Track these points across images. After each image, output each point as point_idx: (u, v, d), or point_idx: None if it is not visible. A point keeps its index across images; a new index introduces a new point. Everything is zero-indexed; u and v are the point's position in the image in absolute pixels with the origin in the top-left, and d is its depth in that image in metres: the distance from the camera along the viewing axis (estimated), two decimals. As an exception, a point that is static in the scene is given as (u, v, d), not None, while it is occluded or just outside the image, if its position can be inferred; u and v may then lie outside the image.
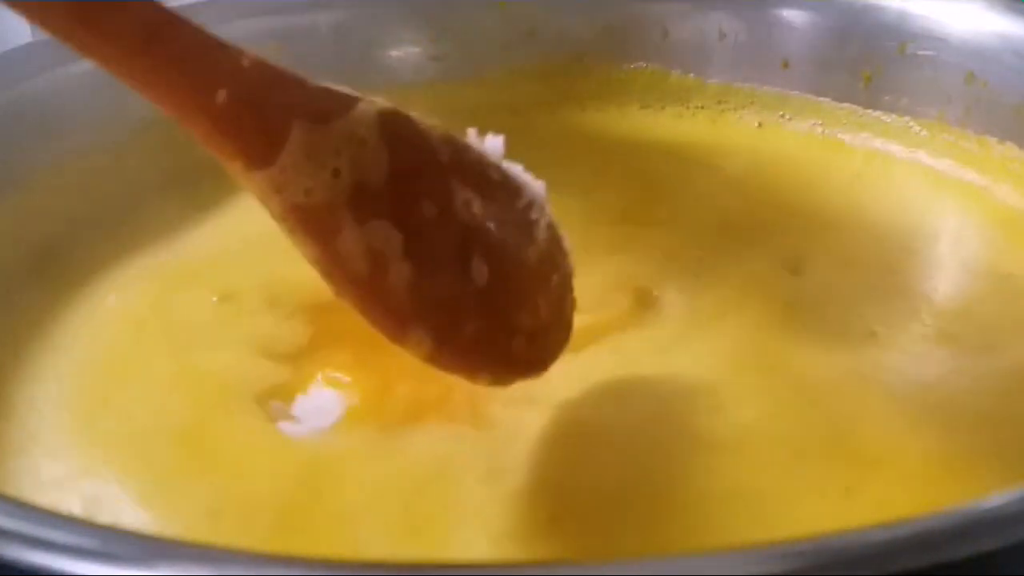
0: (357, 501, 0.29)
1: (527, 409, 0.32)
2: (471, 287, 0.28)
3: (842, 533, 0.21)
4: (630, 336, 0.35)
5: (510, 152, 0.31)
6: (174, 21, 0.25)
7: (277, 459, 0.31)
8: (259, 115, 0.26)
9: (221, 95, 0.25)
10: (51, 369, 0.35)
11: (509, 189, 0.30)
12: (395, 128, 0.28)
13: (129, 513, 0.29)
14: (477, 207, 0.29)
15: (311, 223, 0.26)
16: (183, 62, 0.25)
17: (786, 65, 0.48)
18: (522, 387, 0.30)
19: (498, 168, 0.30)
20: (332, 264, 0.27)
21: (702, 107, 0.50)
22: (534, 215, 0.31)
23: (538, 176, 0.34)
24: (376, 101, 0.28)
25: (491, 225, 0.29)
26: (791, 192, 0.44)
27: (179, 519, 0.29)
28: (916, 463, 0.30)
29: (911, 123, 0.46)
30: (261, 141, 0.26)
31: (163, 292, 0.38)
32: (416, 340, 0.28)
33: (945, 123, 0.45)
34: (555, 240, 0.31)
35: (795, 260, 0.39)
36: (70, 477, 0.31)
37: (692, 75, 0.50)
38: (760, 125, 0.49)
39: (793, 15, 0.48)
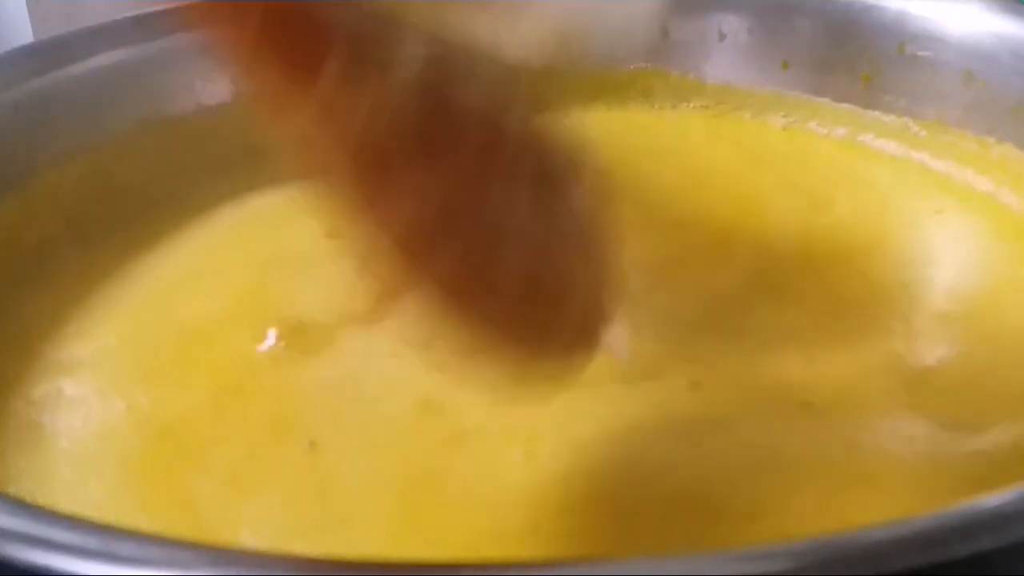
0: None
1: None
2: (504, 258, 0.27)
3: (842, 532, 0.21)
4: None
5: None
6: None
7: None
8: (290, 39, 0.24)
9: (251, 20, 0.24)
10: (54, 373, 0.35)
11: (557, 161, 0.29)
12: (435, 71, 0.26)
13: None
14: (517, 175, 0.27)
15: (342, 149, 0.25)
16: None
17: (785, 65, 0.48)
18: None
19: (546, 139, 0.29)
20: (365, 194, 0.26)
21: (702, 107, 0.50)
22: (580, 194, 0.29)
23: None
24: (431, 41, 0.26)
25: (532, 201, 0.28)
26: (791, 192, 0.44)
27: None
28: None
29: (910, 123, 0.46)
30: (295, 66, 0.24)
31: (163, 292, 0.38)
32: (440, 275, 0.26)
33: (944, 123, 0.45)
34: (596, 226, 0.30)
35: (796, 258, 0.39)
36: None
37: (692, 75, 0.50)
38: (759, 125, 0.49)
39: (792, 16, 0.48)
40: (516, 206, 0.27)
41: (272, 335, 0.35)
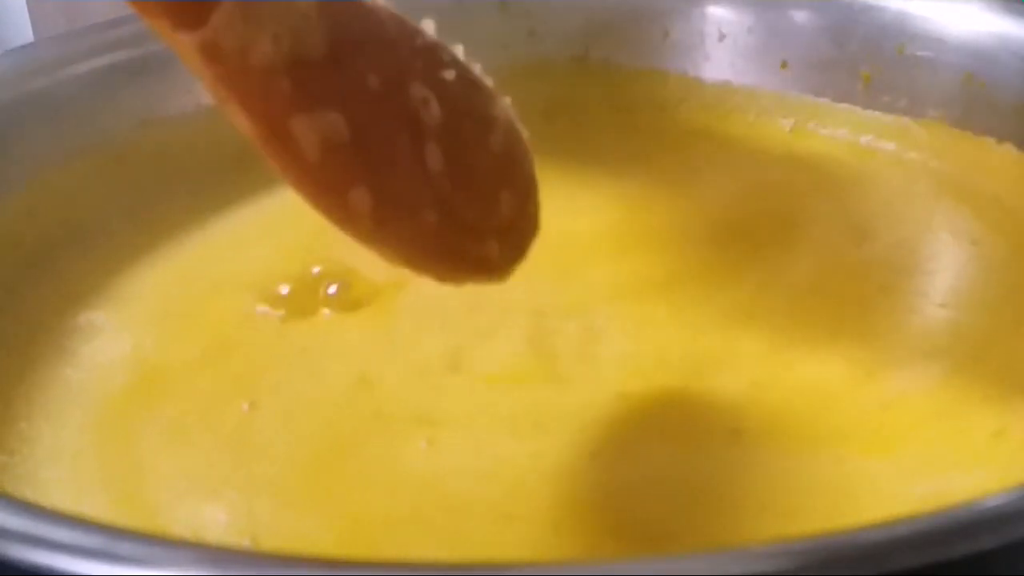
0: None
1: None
2: (424, 172, 0.27)
3: (842, 532, 0.21)
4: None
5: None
6: None
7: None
8: None
9: None
10: (55, 373, 0.35)
11: (466, 80, 0.29)
12: (341, 6, 0.27)
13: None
14: (430, 91, 0.28)
15: (248, 94, 0.25)
16: None
17: (785, 65, 0.48)
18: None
19: (455, 58, 0.29)
20: (270, 140, 0.26)
21: (702, 107, 0.50)
22: (494, 110, 0.30)
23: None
24: None
25: (446, 111, 0.28)
26: (791, 192, 0.44)
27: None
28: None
29: (910, 124, 0.46)
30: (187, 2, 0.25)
31: (163, 292, 0.38)
32: (358, 214, 0.26)
33: (944, 124, 0.45)
34: (517, 139, 0.30)
35: (797, 259, 0.39)
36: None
37: (691, 75, 0.50)
38: (759, 125, 0.49)
39: (792, 15, 0.48)
40: (429, 128, 0.27)
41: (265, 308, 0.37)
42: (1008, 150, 0.43)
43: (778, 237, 0.40)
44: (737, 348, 0.34)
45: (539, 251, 0.36)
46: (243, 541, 0.28)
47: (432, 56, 0.29)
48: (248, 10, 0.25)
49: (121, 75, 0.44)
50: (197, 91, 0.46)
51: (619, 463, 0.30)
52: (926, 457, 0.30)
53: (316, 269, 0.38)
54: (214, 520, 0.29)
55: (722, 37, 0.49)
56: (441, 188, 0.28)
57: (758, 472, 0.30)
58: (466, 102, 0.29)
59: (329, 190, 0.27)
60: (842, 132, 0.47)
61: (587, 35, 0.50)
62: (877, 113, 0.47)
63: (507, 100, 0.30)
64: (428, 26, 0.30)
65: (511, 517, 0.28)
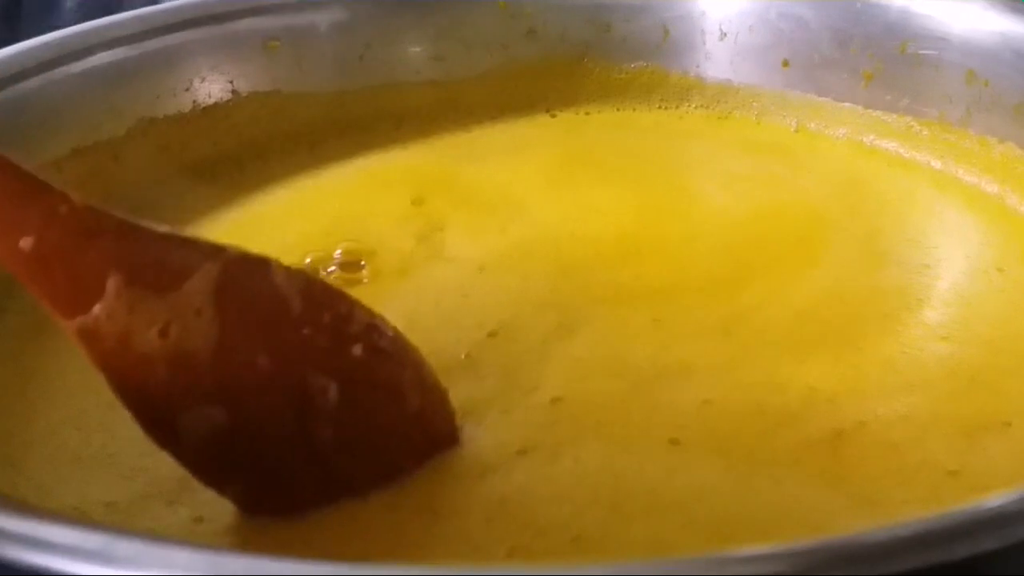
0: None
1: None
2: (309, 445, 0.27)
3: (842, 533, 0.21)
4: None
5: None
6: None
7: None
8: (66, 264, 0.25)
9: (26, 242, 0.24)
10: (54, 372, 0.35)
11: (378, 351, 0.29)
12: (237, 291, 0.26)
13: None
14: (329, 375, 0.27)
15: (125, 381, 0.25)
16: None
17: (786, 64, 0.48)
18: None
19: (369, 327, 0.29)
20: (148, 427, 0.26)
21: (702, 107, 0.50)
22: (403, 378, 0.29)
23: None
24: (224, 253, 0.26)
25: (345, 391, 0.28)
26: (791, 192, 0.44)
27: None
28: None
29: (912, 123, 0.46)
30: (69, 290, 0.25)
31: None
32: (233, 497, 0.28)
33: (946, 123, 0.45)
34: (432, 393, 0.30)
35: (802, 276, 0.38)
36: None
37: (692, 75, 0.50)
38: (760, 125, 0.49)
39: (793, 14, 0.48)
40: (322, 410, 0.27)
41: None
42: (1010, 149, 0.43)
43: (784, 248, 0.40)
44: (701, 363, 0.33)
45: (540, 251, 0.36)
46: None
47: (340, 330, 0.28)
48: (135, 303, 0.25)
49: (121, 75, 0.44)
50: (196, 91, 0.46)
51: (546, 462, 0.30)
52: (873, 491, 0.29)
53: (308, 259, 0.38)
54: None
55: (723, 36, 0.49)
56: (328, 456, 0.28)
57: (690, 485, 0.29)
58: (372, 378, 0.28)
59: (205, 478, 0.27)
60: (843, 131, 0.47)
61: (587, 35, 0.50)
62: (879, 112, 0.47)
63: (420, 357, 0.30)
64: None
65: (445, 514, 0.28)
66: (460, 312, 0.36)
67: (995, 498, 0.21)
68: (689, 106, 0.50)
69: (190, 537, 0.28)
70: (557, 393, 0.32)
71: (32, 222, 0.24)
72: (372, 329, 0.29)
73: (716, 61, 0.49)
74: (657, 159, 0.47)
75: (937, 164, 0.45)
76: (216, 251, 0.26)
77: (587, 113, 0.50)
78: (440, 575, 0.22)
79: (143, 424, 0.26)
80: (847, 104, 0.47)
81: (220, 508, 0.28)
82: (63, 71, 0.43)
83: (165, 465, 0.29)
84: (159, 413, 0.26)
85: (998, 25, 0.44)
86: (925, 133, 0.45)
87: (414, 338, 0.30)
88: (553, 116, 0.50)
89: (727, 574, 0.21)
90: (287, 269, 0.27)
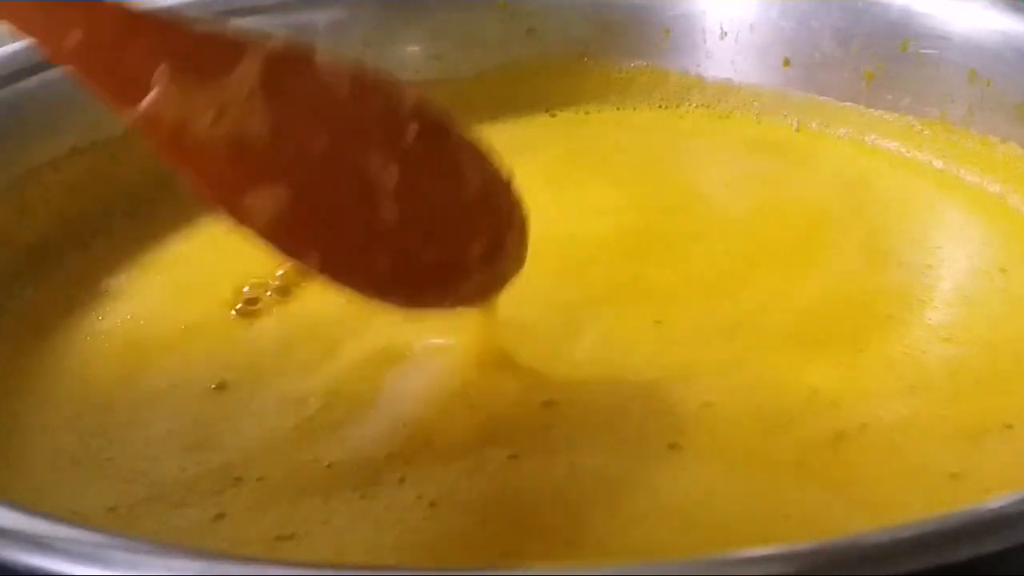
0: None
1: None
2: (377, 224, 0.28)
3: (843, 535, 0.21)
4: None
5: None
6: None
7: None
8: (117, 53, 0.26)
9: (75, 35, 0.26)
10: (51, 375, 0.35)
11: (433, 130, 0.30)
12: (285, 76, 0.28)
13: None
14: (388, 152, 0.28)
15: (190, 165, 0.27)
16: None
17: (787, 64, 0.48)
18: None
19: (421, 110, 0.30)
20: (217, 206, 0.27)
21: (703, 106, 0.50)
22: (462, 158, 0.30)
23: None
24: (269, 41, 0.28)
25: (405, 170, 0.29)
26: (792, 192, 0.44)
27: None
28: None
29: (914, 122, 0.46)
30: (123, 79, 0.26)
31: (160, 291, 0.38)
32: (311, 270, 0.28)
33: (947, 122, 0.45)
34: (492, 179, 0.31)
35: (806, 276, 0.38)
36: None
37: (693, 74, 0.50)
38: (761, 124, 0.49)
39: (795, 13, 0.48)
40: (384, 177, 0.28)
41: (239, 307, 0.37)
42: (1011, 148, 0.43)
43: (785, 249, 0.40)
44: (703, 365, 0.33)
45: (540, 251, 0.36)
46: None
47: (393, 113, 0.29)
48: (188, 87, 0.26)
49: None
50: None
51: (542, 466, 0.30)
52: (874, 493, 0.29)
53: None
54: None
55: (724, 35, 0.49)
56: (396, 237, 0.29)
57: (690, 488, 0.29)
58: (430, 156, 0.29)
59: (280, 250, 0.28)
60: (845, 131, 0.47)
61: (587, 34, 0.50)
62: (880, 112, 0.46)
63: (479, 138, 0.30)
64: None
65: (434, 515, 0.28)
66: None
67: (997, 500, 0.21)
68: (690, 105, 0.50)
69: (195, 541, 0.28)
70: (555, 396, 0.32)
71: (77, 19, 0.26)
72: (424, 108, 0.30)
73: (717, 60, 0.49)
74: (657, 159, 0.47)
75: (939, 164, 0.45)
76: (261, 40, 0.28)
77: (587, 113, 0.50)
78: (439, 574, 0.22)
79: (216, 204, 0.27)
80: (848, 103, 0.47)
81: (221, 509, 0.28)
82: (62, 71, 0.43)
83: (165, 468, 0.29)
84: (227, 193, 0.27)
85: (1000, 24, 0.43)
86: (927, 133, 0.45)
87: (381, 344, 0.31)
88: (553, 116, 0.50)
89: (727, 574, 0.21)
90: (333, 55, 0.29)
